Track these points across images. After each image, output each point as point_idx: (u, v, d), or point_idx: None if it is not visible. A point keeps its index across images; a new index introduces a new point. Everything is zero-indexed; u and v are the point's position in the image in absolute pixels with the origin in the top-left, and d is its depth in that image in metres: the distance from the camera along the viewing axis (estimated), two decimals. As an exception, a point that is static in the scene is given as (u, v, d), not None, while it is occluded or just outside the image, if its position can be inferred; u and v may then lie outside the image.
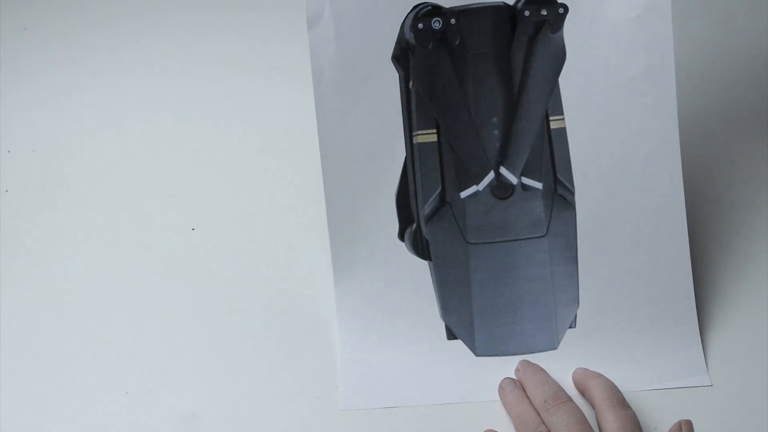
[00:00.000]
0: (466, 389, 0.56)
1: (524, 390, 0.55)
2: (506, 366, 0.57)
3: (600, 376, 0.55)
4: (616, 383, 0.55)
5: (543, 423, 0.52)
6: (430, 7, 0.49)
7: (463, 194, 0.49)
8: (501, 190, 0.50)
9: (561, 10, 0.50)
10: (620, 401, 0.52)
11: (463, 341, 0.51)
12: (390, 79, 0.55)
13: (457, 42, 0.51)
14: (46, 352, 0.59)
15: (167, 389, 0.57)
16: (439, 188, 0.50)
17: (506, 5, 0.51)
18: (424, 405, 0.55)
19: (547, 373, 0.55)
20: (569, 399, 0.53)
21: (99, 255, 0.64)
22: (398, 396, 0.56)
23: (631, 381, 0.56)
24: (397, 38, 0.52)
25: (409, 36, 0.51)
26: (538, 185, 0.50)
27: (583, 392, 0.55)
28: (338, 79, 0.56)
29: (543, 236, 0.51)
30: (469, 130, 0.50)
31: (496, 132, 0.50)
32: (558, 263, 0.51)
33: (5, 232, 0.66)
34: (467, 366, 0.57)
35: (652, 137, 0.54)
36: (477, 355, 0.50)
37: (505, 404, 0.54)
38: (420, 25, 0.50)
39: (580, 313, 0.57)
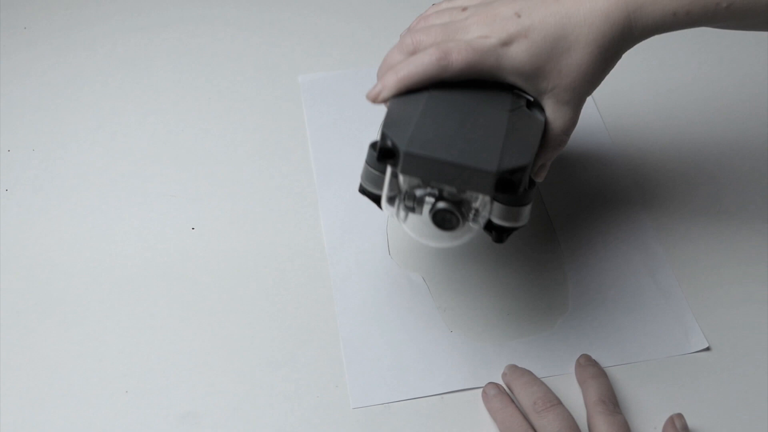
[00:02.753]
0: (469, 377, 0.57)
1: (509, 395, 0.55)
2: (506, 352, 0.58)
3: (597, 376, 0.55)
4: (615, 358, 0.56)
5: (531, 428, 0.52)
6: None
7: None
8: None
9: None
10: (612, 406, 0.52)
11: (394, 142, 0.47)
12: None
13: None
14: (46, 352, 0.59)
15: (167, 389, 0.57)
16: None
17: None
18: (429, 396, 0.56)
19: (534, 375, 0.55)
20: (559, 402, 0.53)
21: (99, 254, 0.64)
22: (406, 389, 0.56)
23: (629, 356, 0.57)
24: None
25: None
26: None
27: (579, 385, 0.55)
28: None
29: (506, 110, 0.50)
30: None
31: None
32: (515, 126, 0.49)
33: (5, 232, 0.66)
34: (468, 354, 0.58)
35: None
36: (404, 152, 0.46)
37: (489, 410, 0.54)
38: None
39: (572, 298, 0.60)
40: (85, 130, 0.73)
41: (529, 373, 0.55)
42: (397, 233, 0.65)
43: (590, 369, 0.55)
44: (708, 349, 0.57)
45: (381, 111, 0.73)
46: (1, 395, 0.57)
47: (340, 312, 0.60)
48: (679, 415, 0.53)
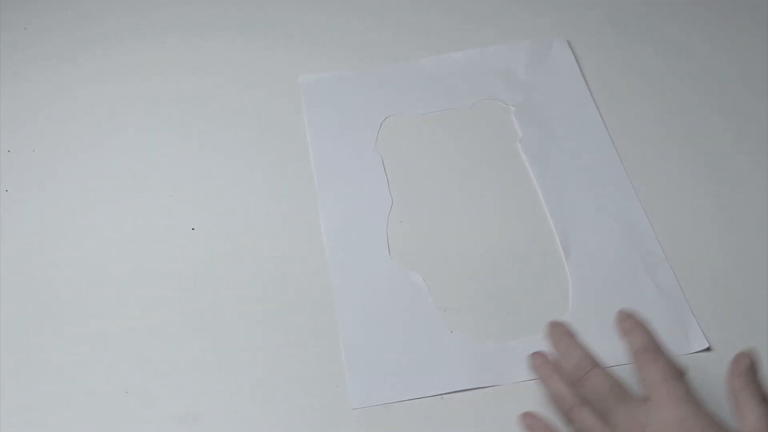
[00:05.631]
0: (469, 377, 0.56)
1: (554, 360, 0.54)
2: (506, 352, 0.57)
3: (633, 330, 0.52)
4: (615, 358, 0.56)
5: (577, 396, 0.51)
6: None
7: None
8: None
9: None
10: (656, 352, 0.50)
11: None
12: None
13: None
14: (46, 352, 0.59)
15: (167, 389, 0.57)
16: None
17: None
18: (430, 396, 0.56)
19: (572, 338, 0.53)
20: (595, 365, 0.51)
21: (99, 255, 0.64)
22: (406, 389, 0.56)
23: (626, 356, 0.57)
24: None
25: None
26: None
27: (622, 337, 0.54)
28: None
29: None
30: None
31: None
32: None
33: (5, 232, 0.66)
34: (470, 354, 0.58)
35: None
36: None
37: (538, 377, 0.54)
38: None
39: (572, 298, 0.60)
40: (85, 131, 0.73)
41: (568, 336, 0.54)
42: (397, 233, 0.65)
43: (626, 324, 0.53)
44: (708, 349, 0.57)
45: (380, 112, 0.74)
46: (1, 395, 0.57)
47: (340, 312, 0.60)
48: (745, 354, 0.50)
